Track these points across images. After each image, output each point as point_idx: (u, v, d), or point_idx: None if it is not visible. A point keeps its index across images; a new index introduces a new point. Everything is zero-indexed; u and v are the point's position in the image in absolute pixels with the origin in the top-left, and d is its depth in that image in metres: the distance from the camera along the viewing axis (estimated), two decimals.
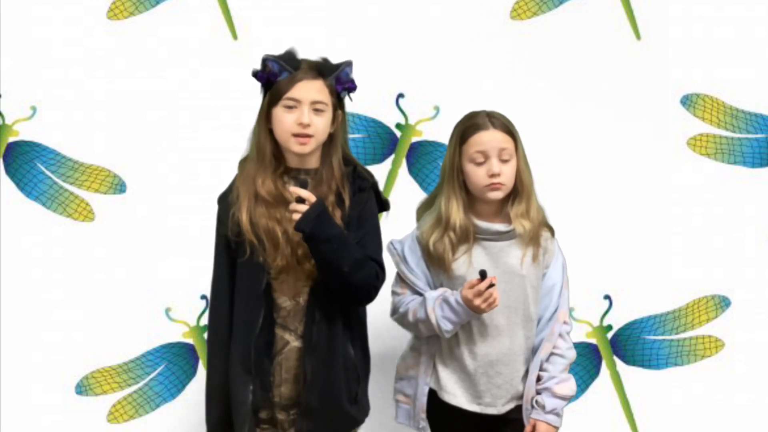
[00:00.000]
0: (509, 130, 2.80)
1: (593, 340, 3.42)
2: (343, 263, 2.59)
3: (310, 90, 2.62)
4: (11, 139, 3.39)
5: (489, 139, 2.76)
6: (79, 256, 3.38)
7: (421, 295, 2.81)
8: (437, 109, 3.42)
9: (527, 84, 3.39)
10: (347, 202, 2.66)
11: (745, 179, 3.45)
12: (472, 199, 2.81)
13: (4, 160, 3.39)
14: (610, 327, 3.43)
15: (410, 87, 3.41)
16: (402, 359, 2.92)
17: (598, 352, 3.43)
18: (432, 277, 2.83)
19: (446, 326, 2.74)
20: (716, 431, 3.44)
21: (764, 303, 3.45)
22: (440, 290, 2.79)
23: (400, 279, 2.86)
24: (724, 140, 3.45)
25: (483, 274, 2.67)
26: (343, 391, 2.67)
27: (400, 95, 3.42)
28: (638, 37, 3.44)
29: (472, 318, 2.75)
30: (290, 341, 2.69)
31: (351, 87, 2.69)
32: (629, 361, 3.44)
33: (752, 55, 3.44)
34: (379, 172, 3.32)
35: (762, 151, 3.46)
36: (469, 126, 2.80)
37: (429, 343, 2.84)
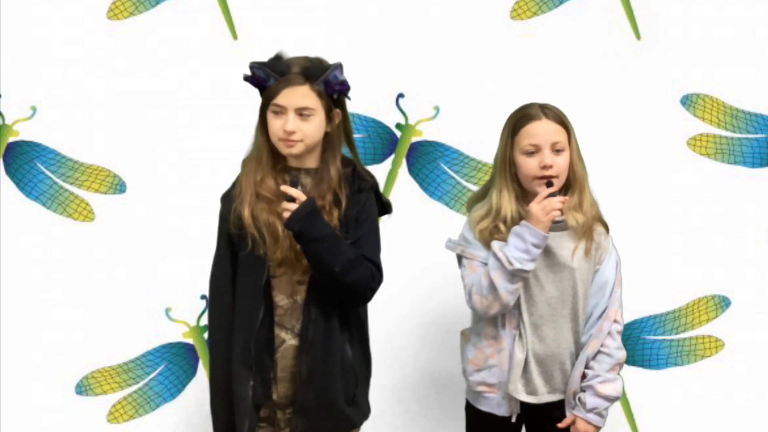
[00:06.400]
0: (562, 121, 2.77)
1: None
2: (334, 263, 2.58)
3: (296, 96, 2.60)
4: (11, 139, 3.39)
5: (541, 130, 2.74)
6: (79, 256, 3.38)
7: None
8: (437, 109, 3.41)
9: (527, 84, 3.39)
10: (344, 202, 2.65)
11: (745, 179, 3.44)
12: (524, 191, 2.79)
13: (4, 160, 3.39)
14: None
15: (410, 87, 3.41)
16: (476, 352, 2.85)
17: None
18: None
19: (513, 253, 2.68)
20: (716, 431, 3.44)
21: (764, 303, 3.44)
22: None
23: (467, 263, 2.80)
24: (724, 140, 3.45)
25: (549, 185, 2.70)
26: (339, 392, 2.66)
27: (400, 95, 3.42)
28: (638, 37, 3.44)
29: (538, 240, 2.68)
30: (286, 339, 2.68)
31: (342, 89, 2.64)
32: (629, 361, 3.42)
33: (752, 55, 3.44)
34: (379, 172, 3.32)
35: (762, 151, 3.45)
36: (521, 117, 2.78)
37: (506, 327, 2.79)
